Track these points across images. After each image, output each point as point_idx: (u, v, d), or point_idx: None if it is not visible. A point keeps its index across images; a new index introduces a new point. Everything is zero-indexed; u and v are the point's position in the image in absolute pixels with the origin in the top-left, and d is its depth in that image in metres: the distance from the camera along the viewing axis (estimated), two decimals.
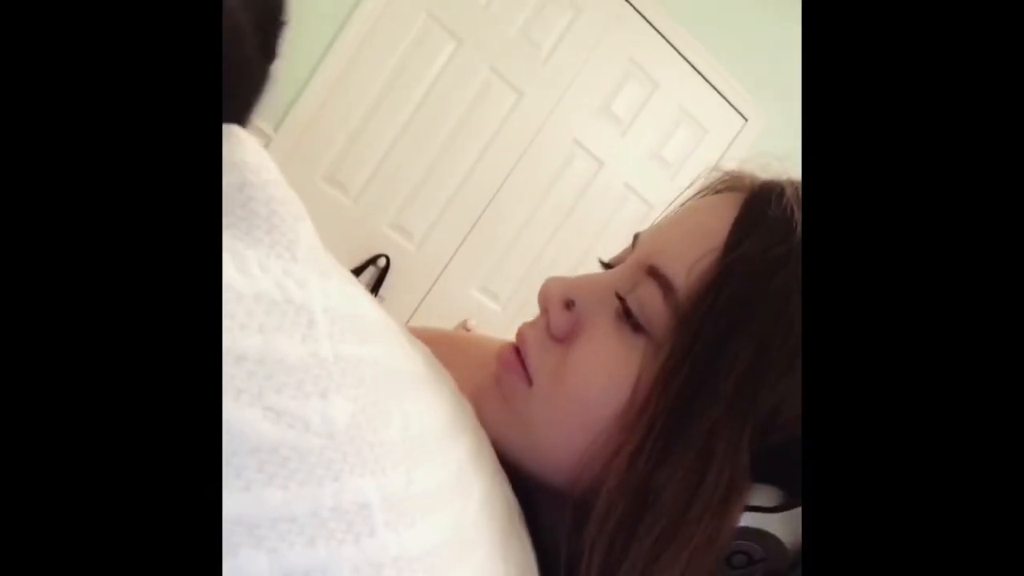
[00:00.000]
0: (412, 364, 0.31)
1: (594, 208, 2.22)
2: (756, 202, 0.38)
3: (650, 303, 0.37)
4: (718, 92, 2.23)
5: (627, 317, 0.38)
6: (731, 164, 0.44)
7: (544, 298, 0.41)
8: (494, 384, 0.41)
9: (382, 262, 2.04)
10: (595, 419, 0.37)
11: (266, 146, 1.81)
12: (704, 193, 0.43)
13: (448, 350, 0.44)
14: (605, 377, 0.37)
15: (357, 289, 0.29)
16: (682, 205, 0.44)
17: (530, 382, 0.39)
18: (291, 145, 1.88)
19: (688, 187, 0.44)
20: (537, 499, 0.40)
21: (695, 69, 2.19)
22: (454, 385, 0.37)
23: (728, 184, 0.42)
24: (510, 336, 0.43)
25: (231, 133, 0.25)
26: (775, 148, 0.44)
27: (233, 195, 0.24)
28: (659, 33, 2.14)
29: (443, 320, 2.15)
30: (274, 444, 0.22)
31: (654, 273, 0.37)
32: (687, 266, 0.37)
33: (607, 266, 0.43)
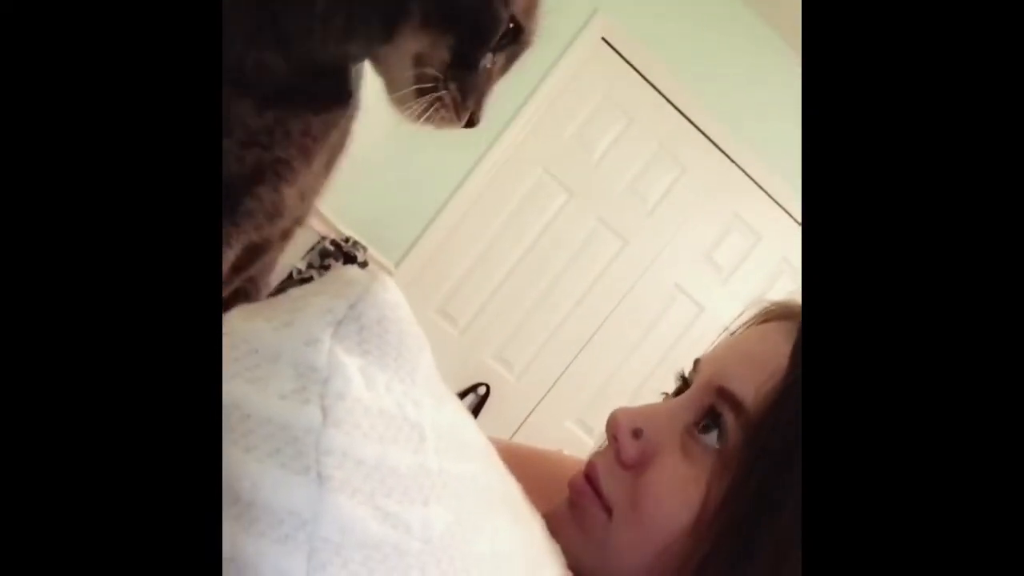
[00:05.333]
0: (507, 490, 0.34)
1: (693, 350, 2.24)
2: None
3: (724, 421, 0.40)
4: None
5: (702, 433, 0.40)
6: (778, 296, 0.48)
7: (613, 428, 0.43)
8: (569, 510, 0.43)
9: (482, 390, 2.15)
10: (669, 535, 0.39)
11: None
12: (755, 322, 0.46)
13: (517, 463, 0.48)
14: (679, 499, 0.39)
15: (464, 415, 0.33)
16: (733, 334, 0.47)
17: (609, 511, 0.41)
18: (409, 279, 2.06)
19: (738, 317, 0.48)
20: None
21: (799, 223, 2.26)
22: (543, 524, 0.39)
23: (777, 314, 0.45)
24: None
25: (377, 276, 0.30)
26: None
27: (373, 326, 0.28)
28: (763, 190, 2.24)
29: None
30: (378, 541, 0.25)
31: (724, 394, 0.40)
32: (755, 387, 0.39)
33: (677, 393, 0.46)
